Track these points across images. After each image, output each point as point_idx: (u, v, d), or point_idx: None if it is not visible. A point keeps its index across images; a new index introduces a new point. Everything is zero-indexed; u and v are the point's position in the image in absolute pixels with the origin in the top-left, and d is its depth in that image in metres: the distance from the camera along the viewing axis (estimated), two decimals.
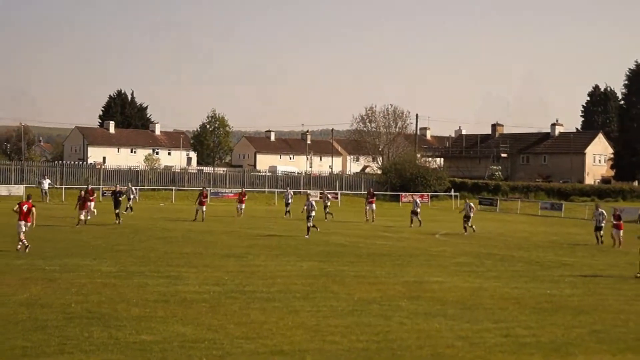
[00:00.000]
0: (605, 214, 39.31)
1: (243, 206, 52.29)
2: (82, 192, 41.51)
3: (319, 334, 14.68)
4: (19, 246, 26.70)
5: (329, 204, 53.67)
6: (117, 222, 40.39)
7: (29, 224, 27.29)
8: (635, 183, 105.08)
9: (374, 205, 51.66)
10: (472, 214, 43.20)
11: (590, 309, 18.69)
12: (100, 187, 66.42)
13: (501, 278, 24.07)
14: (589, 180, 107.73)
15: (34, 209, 27.75)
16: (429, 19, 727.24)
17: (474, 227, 42.85)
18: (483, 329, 15.69)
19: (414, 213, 47.61)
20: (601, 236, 38.53)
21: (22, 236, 26.82)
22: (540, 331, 15.74)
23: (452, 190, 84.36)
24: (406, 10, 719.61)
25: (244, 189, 57.04)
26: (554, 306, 18.96)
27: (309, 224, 36.92)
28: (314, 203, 37.81)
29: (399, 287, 21.20)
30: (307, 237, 35.97)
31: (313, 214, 37.17)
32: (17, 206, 27.70)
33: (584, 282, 23.82)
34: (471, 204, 44.37)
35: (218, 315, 16.23)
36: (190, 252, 28.32)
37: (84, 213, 39.50)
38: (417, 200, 49.90)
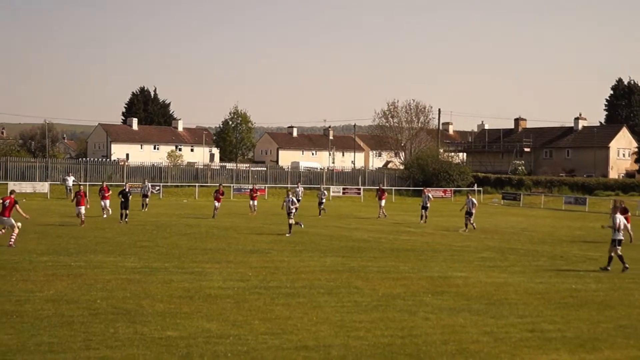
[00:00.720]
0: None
1: (255, 202, 51.04)
2: (81, 187, 40.33)
3: (344, 329, 14.67)
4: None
5: (324, 200, 52.24)
6: (122, 221, 38.94)
7: (5, 218, 27.57)
8: None
9: (383, 201, 50.96)
10: (474, 210, 41.05)
11: (616, 304, 18.57)
12: (125, 184, 66.58)
13: (525, 273, 23.96)
14: (613, 174, 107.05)
15: (17, 205, 27.92)
16: (451, 13, 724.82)
17: (474, 224, 40.91)
18: (508, 324, 15.63)
19: (424, 208, 46.42)
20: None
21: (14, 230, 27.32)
22: (566, 326, 15.65)
23: (475, 185, 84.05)
24: (428, 4, 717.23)
25: (255, 186, 56.05)
26: (579, 301, 18.85)
27: (290, 221, 35.05)
28: (294, 199, 36.00)
29: (423, 283, 21.16)
30: (288, 235, 34.42)
31: (294, 210, 35.30)
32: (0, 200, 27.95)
33: (609, 277, 23.66)
34: (473, 199, 42.01)
35: (243, 311, 16.26)
36: (213, 248, 28.40)
37: (82, 209, 37.14)
38: (429, 195, 48.02)
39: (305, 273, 22.38)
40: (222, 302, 17.14)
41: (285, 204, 35.65)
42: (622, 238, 25.48)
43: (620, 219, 25.31)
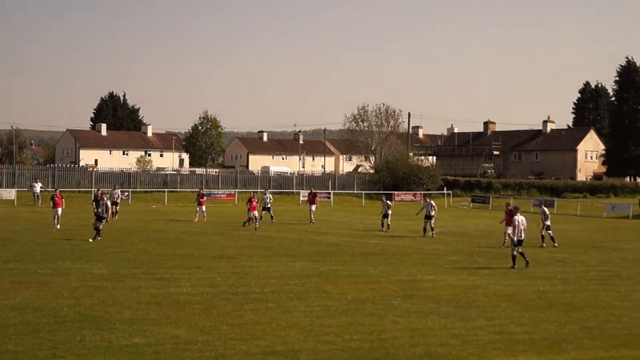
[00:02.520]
0: (547, 212, 36.30)
1: (204, 208, 47.99)
2: None
3: (313, 334, 14.67)
4: None
5: (269, 205, 47.34)
6: (95, 238, 32.88)
7: None
8: (627, 179, 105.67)
9: (313, 207, 48.27)
10: (433, 213, 39.03)
11: (583, 305, 18.73)
12: (93, 189, 65.98)
13: (494, 275, 24.12)
14: (580, 176, 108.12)
15: None
16: (418, 16, 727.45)
17: (433, 230, 39.16)
18: (476, 327, 15.70)
19: (385, 216, 43.25)
20: (542, 236, 35.43)
21: None
22: (533, 328, 15.76)
23: (445, 188, 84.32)
24: (398, 8, 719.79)
25: (202, 191, 52.95)
26: (546, 303, 18.99)
27: (99, 226, 33.16)
28: (108, 204, 34.90)
29: (392, 286, 21.20)
30: (91, 240, 32.11)
31: (106, 215, 34.02)
32: None
33: (576, 279, 23.88)
34: (432, 202, 40.20)
35: (211, 316, 16.20)
36: (182, 254, 28.26)
37: None
38: (388, 202, 44.83)
39: (274, 278, 22.35)
40: (191, 308, 17.07)
41: (100, 208, 34.03)
42: (523, 238, 26.83)
43: (519, 220, 26.99)
